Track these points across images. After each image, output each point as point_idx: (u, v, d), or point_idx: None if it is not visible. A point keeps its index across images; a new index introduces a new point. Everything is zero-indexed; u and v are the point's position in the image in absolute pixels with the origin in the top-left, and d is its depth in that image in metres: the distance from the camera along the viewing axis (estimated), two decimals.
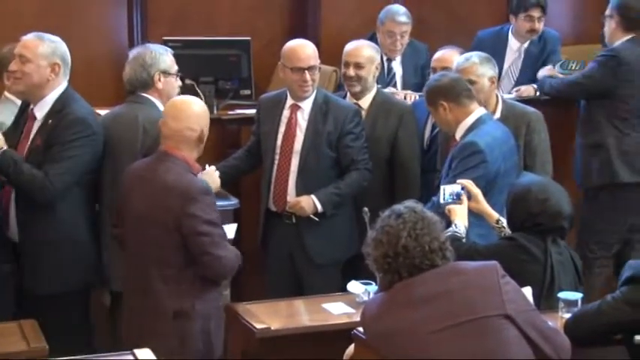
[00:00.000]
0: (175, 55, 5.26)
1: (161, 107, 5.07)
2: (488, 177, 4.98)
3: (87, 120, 4.98)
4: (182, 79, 5.41)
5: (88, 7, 7.05)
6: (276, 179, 5.54)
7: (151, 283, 4.50)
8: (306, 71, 5.44)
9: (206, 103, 6.14)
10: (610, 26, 6.22)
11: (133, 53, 5.23)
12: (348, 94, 5.88)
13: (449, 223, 4.56)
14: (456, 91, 5.14)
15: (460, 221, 4.63)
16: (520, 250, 4.35)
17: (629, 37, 6.16)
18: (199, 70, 6.36)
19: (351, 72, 5.76)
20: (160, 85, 5.13)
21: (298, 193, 5.49)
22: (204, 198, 4.49)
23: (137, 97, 5.14)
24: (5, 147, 4.85)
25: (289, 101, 5.58)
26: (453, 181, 4.82)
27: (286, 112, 5.58)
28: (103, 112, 5.53)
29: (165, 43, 6.19)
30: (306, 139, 5.51)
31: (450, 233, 4.28)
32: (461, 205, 4.72)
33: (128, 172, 4.68)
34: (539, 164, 5.45)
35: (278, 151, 5.55)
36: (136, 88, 5.14)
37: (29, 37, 5.00)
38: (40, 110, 4.99)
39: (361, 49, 5.81)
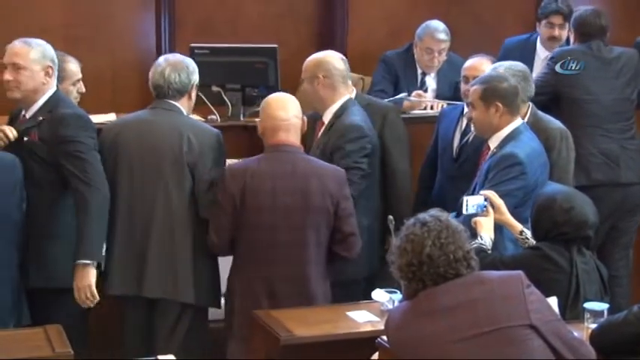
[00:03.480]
0: (202, 62, 5.23)
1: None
2: (527, 189, 4.94)
3: (85, 115, 4.94)
4: (208, 86, 5.37)
5: (115, 13, 7.06)
6: None
7: (306, 267, 4.81)
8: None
9: (233, 110, 6.22)
10: (572, 40, 6.55)
11: (171, 58, 5.13)
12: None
13: (473, 233, 4.54)
14: (515, 99, 5.10)
15: (486, 234, 4.62)
16: (545, 259, 4.34)
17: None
18: (226, 77, 6.35)
19: None
20: (193, 95, 5.11)
21: None
22: (347, 182, 4.87)
23: (168, 105, 5.04)
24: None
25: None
26: None
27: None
28: None
29: (192, 49, 6.20)
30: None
31: (475, 245, 4.25)
32: (487, 217, 4.71)
33: (243, 176, 4.77)
34: (556, 181, 5.28)
35: None
36: (172, 91, 5.03)
37: (17, 45, 4.90)
38: (30, 112, 4.93)
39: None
